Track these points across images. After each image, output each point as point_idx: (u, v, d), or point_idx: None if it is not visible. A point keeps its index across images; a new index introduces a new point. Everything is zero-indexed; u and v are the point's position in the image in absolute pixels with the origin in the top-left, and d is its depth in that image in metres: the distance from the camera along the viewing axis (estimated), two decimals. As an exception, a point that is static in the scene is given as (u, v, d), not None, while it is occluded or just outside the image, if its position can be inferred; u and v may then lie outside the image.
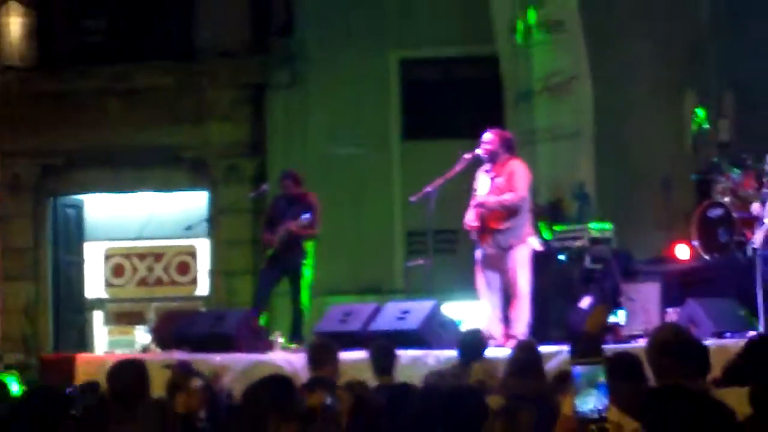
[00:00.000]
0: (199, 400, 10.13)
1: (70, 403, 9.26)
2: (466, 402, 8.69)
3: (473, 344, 13.97)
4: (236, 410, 9.57)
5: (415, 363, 15.12)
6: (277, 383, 7.86)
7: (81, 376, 16.54)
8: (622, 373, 7.93)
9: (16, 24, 26.65)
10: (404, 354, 15.11)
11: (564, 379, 8.60)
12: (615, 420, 5.32)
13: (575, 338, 13.12)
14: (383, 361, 13.23)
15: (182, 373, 12.46)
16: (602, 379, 5.33)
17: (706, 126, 22.24)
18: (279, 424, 7.00)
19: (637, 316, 17.51)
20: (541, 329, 16.96)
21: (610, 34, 23.80)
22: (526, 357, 11.74)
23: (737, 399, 7.86)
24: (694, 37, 24.47)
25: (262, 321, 18.92)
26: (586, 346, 10.60)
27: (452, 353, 14.86)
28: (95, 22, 27.17)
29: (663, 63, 24.38)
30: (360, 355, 14.40)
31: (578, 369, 5.44)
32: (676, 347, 8.75)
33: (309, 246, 19.04)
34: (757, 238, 16.82)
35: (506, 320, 16.94)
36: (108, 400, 10.73)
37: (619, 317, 17.47)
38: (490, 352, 15.03)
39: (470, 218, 17.13)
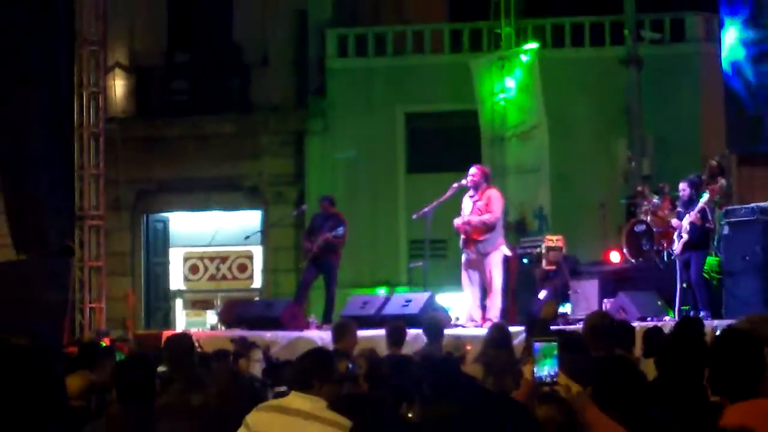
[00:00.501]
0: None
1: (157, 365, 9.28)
2: (449, 364, 8.96)
3: (433, 327, 13.91)
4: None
5: (416, 339, 15.10)
6: (321, 354, 7.96)
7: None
8: (569, 348, 8.15)
9: (119, 85, 26.53)
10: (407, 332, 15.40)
11: (527, 352, 8.60)
12: (563, 383, 5.32)
13: (534, 321, 13.37)
14: (397, 337, 13.34)
15: (244, 345, 12.70)
16: (555, 352, 5.36)
17: (633, 164, 22.54)
18: (322, 385, 7.22)
19: (580, 305, 17.49)
20: (510, 314, 17.14)
21: (562, 96, 23.92)
22: (499, 335, 11.53)
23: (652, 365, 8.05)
24: (624, 100, 24.67)
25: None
26: (543, 328, 10.85)
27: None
28: (179, 84, 26.99)
29: (601, 118, 24.62)
30: (373, 332, 14.47)
31: (536, 345, 5.55)
32: (601, 328, 8.99)
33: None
34: (676, 247, 16.92)
35: (484, 308, 16.87)
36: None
37: (567, 307, 17.68)
38: (456, 332, 15.38)
39: (459, 227, 17.13)
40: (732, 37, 21.36)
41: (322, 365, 7.33)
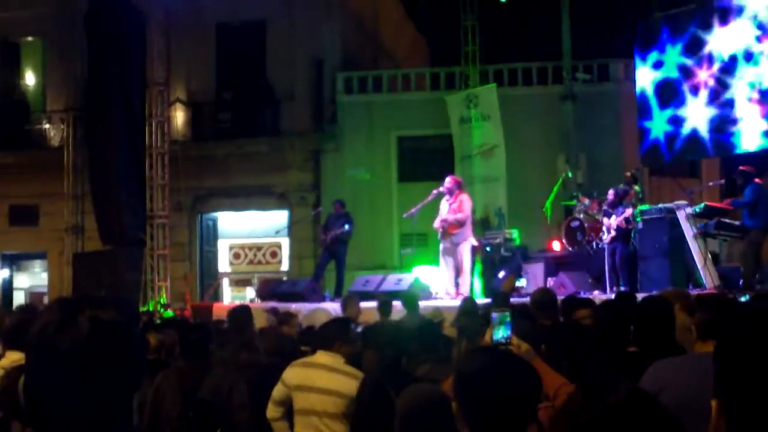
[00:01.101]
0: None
1: (208, 327, 9.25)
2: (433, 327, 8.98)
3: (409, 300, 13.83)
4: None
5: (402, 309, 15.11)
6: (341, 322, 8.04)
7: (215, 316, 16.58)
8: (521, 316, 8.20)
9: (179, 116, 26.41)
10: (398, 304, 15.39)
11: (487, 319, 8.54)
12: (515, 343, 5.35)
13: (495, 295, 13.36)
14: (385, 308, 13.35)
15: (287, 314, 12.63)
16: (508, 320, 5.48)
17: (570, 174, 22.55)
18: (341, 345, 7.22)
19: (531, 283, 17.53)
20: (477, 290, 17.17)
21: (515, 123, 23.96)
22: (469, 306, 11.49)
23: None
24: (563, 126, 24.71)
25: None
26: (501, 300, 10.81)
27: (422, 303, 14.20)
28: (224, 115, 26.79)
29: (545, 140, 24.65)
30: (373, 304, 14.52)
31: (494, 314, 5.57)
32: (540, 303, 8.99)
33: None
34: (605, 239, 16.95)
35: (457, 285, 16.86)
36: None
37: (523, 281, 17.70)
38: (446, 303, 15.29)
39: (437, 226, 17.24)
40: (643, 78, 21.37)
41: (342, 330, 7.42)
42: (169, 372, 7.49)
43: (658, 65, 20.99)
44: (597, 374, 5.77)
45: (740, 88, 19.51)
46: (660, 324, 5.77)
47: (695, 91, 20.19)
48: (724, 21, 19.79)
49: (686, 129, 20.28)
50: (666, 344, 5.50)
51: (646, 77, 21.26)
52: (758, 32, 19.19)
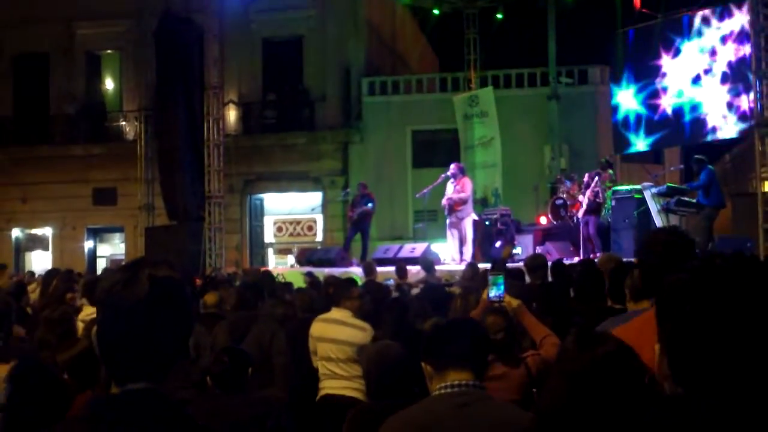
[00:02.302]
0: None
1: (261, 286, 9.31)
2: (441, 291, 8.98)
3: (426, 264, 13.88)
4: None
5: (417, 273, 15.16)
6: (344, 282, 7.99)
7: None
8: (515, 277, 8.17)
9: (232, 114, 26.46)
10: (413, 268, 15.41)
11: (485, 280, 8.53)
12: (507, 300, 5.36)
13: (493, 261, 13.33)
14: (402, 272, 13.39)
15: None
16: (500, 281, 5.28)
17: (554, 161, 22.50)
18: (345, 301, 7.08)
19: (522, 251, 17.65)
20: (477, 257, 17.12)
21: (509, 119, 23.85)
22: (471, 270, 11.61)
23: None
24: (549, 122, 24.63)
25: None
26: (499, 265, 10.79)
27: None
28: (269, 113, 26.91)
29: (534, 133, 24.58)
30: (391, 268, 14.55)
31: (489, 276, 5.56)
32: (530, 265, 8.98)
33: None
34: (580, 213, 16.94)
35: (461, 253, 16.99)
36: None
37: (518, 251, 17.66)
38: (451, 267, 15.33)
39: (444, 203, 17.25)
40: (622, 97, 21.04)
41: (344, 289, 7.40)
42: (224, 323, 7.58)
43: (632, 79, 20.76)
44: (582, 327, 5.77)
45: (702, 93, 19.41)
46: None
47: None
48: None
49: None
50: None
51: (625, 95, 20.94)
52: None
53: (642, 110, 20.34)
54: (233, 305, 8.59)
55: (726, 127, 18.69)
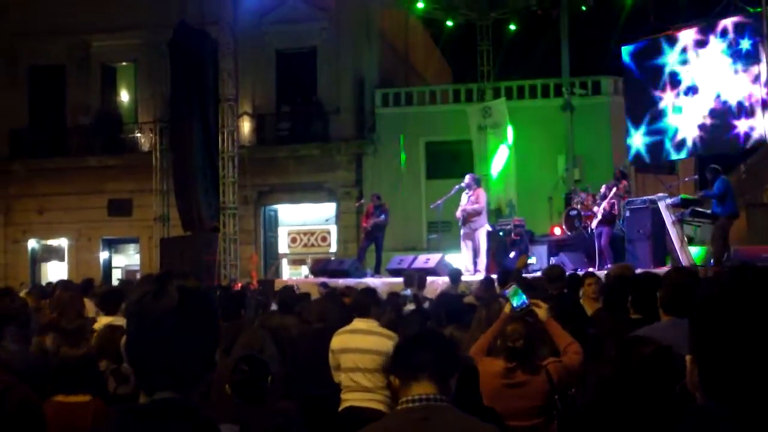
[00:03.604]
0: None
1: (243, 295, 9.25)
2: (458, 301, 8.96)
3: (454, 275, 13.92)
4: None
5: (432, 283, 15.14)
6: (371, 291, 7.90)
7: (277, 287, 16.57)
8: (531, 288, 8.14)
9: (246, 126, 26.54)
10: (428, 278, 15.40)
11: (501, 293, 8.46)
12: (536, 302, 5.28)
13: (507, 272, 13.30)
14: (420, 282, 13.39)
15: (347, 287, 12.46)
16: (520, 291, 5.28)
17: (568, 172, 22.46)
18: (374, 310, 7.22)
19: (537, 262, 17.63)
20: (491, 268, 17.08)
21: (523, 130, 23.86)
22: (486, 281, 11.68)
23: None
24: (563, 132, 24.60)
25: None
26: (517, 274, 10.75)
27: (444, 279, 14.58)
28: (283, 125, 26.86)
29: (548, 144, 24.55)
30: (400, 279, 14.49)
31: (505, 290, 5.53)
32: (549, 275, 8.99)
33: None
34: (593, 224, 16.89)
35: (475, 263, 16.98)
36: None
37: (533, 261, 17.58)
38: (466, 278, 15.30)
39: (458, 215, 17.25)
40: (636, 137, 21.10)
41: (372, 298, 7.41)
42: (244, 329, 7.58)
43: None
44: (598, 338, 5.76)
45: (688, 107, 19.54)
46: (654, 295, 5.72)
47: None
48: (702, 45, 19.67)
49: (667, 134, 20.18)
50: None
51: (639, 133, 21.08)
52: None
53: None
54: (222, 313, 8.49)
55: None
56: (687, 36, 19.82)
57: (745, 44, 18.65)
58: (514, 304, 5.32)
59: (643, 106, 20.63)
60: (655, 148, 20.45)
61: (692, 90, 19.62)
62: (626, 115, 21.32)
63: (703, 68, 19.49)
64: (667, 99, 20.12)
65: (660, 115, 20.19)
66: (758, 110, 18.15)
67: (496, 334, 5.26)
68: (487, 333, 5.36)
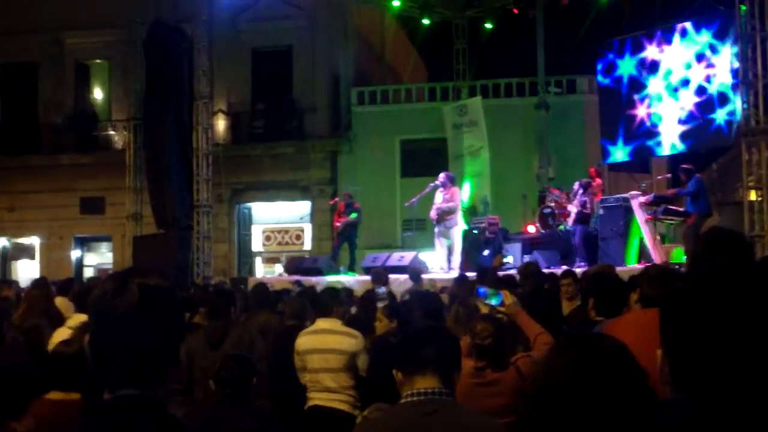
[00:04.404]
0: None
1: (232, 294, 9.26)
2: (431, 296, 8.96)
3: (414, 273, 13.91)
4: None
5: (406, 281, 15.15)
6: (333, 290, 7.81)
7: (250, 286, 16.53)
8: (505, 285, 8.19)
9: (221, 123, 26.56)
10: (401, 276, 15.40)
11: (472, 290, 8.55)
12: (504, 294, 5.30)
13: (485, 271, 13.32)
14: (383, 278, 13.36)
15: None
16: (496, 291, 5.33)
17: (542, 170, 22.54)
18: (338, 309, 7.16)
19: (512, 261, 17.66)
20: (465, 266, 17.13)
21: (498, 129, 23.91)
22: (460, 278, 11.70)
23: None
24: (537, 131, 24.67)
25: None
26: (493, 273, 10.78)
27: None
28: (258, 122, 26.93)
29: (522, 142, 24.64)
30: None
31: (483, 289, 5.56)
32: (525, 272, 9.02)
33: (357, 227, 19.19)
34: (570, 221, 16.96)
35: (449, 261, 17.08)
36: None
37: (509, 259, 17.60)
38: (438, 276, 15.29)
39: (433, 213, 17.31)
40: (606, 84, 21.38)
41: (335, 298, 7.38)
42: (200, 332, 7.50)
43: (608, 71, 21.20)
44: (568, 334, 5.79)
45: (666, 100, 19.77)
46: (613, 294, 5.71)
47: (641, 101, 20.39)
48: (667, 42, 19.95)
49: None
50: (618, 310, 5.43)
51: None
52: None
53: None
54: (206, 313, 8.40)
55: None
56: (657, 38, 20.11)
57: (714, 39, 18.88)
58: (492, 304, 5.32)
59: (615, 121, 20.92)
60: (641, 151, 20.66)
61: (668, 92, 19.83)
62: (602, 137, 21.57)
63: (674, 69, 19.73)
64: (641, 110, 20.34)
65: (638, 126, 20.41)
66: (730, 95, 18.33)
67: None
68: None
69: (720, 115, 18.72)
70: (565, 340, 1.99)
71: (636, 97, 20.58)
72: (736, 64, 17.45)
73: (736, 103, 17.40)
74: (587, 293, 7.02)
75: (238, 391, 4.87)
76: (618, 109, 20.98)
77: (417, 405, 3.13)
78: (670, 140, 19.83)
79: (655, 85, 20.25)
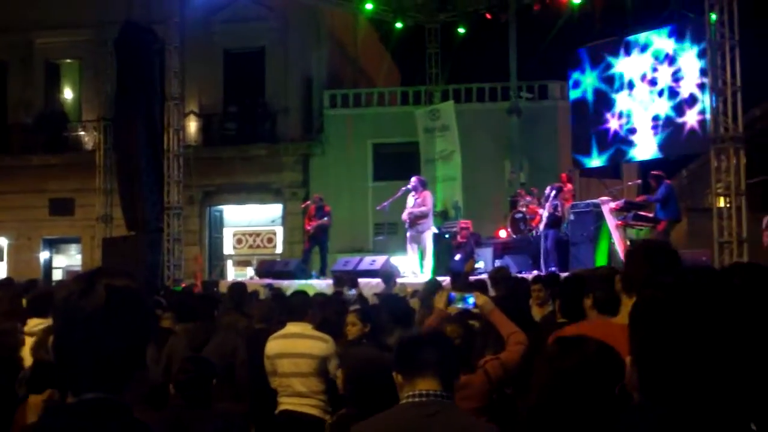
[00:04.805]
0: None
1: (215, 297, 9.23)
2: (400, 301, 8.98)
3: (387, 276, 13.95)
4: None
5: (378, 284, 15.15)
6: (304, 295, 7.73)
7: (222, 289, 16.47)
8: (477, 289, 8.21)
9: (192, 125, 26.42)
10: (372, 281, 15.42)
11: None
12: (476, 295, 5.27)
13: (457, 275, 13.35)
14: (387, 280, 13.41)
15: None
16: (466, 295, 5.28)
17: (514, 175, 22.62)
18: (310, 313, 7.18)
19: (483, 265, 17.72)
20: (437, 270, 17.15)
21: (470, 133, 23.98)
22: (433, 282, 11.74)
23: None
24: (509, 135, 24.75)
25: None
26: (465, 278, 10.81)
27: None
28: (230, 124, 26.79)
29: (494, 147, 24.67)
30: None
31: (452, 294, 5.52)
32: (496, 277, 9.03)
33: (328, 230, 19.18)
34: (540, 227, 17.04)
35: (421, 267, 17.11)
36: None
37: (480, 264, 17.64)
38: (410, 281, 15.31)
39: (405, 217, 17.32)
40: (575, 99, 21.56)
41: (307, 302, 7.33)
42: (179, 334, 7.45)
43: (576, 85, 21.38)
44: (540, 338, 5.80)
45: (636, 109, 19.96)
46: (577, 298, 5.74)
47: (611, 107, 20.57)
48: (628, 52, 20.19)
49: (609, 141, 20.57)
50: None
51: (577, 98, 21.56)
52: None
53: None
54: (190, 314, 8.35)
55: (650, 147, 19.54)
56: (621, 48, 20.36)
57: (678, 43, 19.08)
58: (465, 306, 5.27)
59: (587, 137, 21.08)
60: (617, 156, 20.81)
61: (637, 101, 20.00)
62: (575, 152, 21.73)
63: (639, 77, 19.94)
64: (613, 123, 20.50)
65: (612, 136, 20.55)
66: (698, 94, 18.53)
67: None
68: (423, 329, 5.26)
69: (691, 117, 18.86)
70: (567, 342, 2.01)
71: (605, 110, 20.74)
72: (701, 64, 17.73)
73: (705, 102, 17.56)
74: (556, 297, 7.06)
75: (197, 394, 4.78)
76: (588, 124, 21.16)
77: (418, 406, 3.21)
78: (645, 146, 19.94)
79: (622, 97, 20.42)
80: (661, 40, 19.68)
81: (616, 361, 2.00)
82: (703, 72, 18.08)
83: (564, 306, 5.80)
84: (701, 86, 18.18)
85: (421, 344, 3.41)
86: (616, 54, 20.64)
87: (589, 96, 21.25)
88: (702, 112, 18.31)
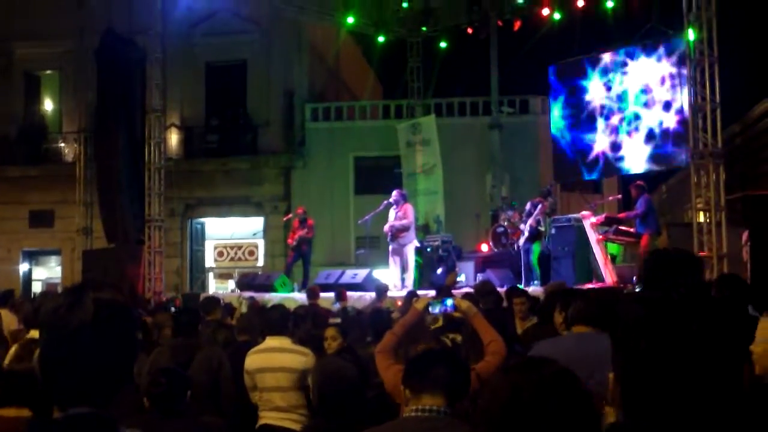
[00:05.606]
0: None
1: (197, 311, 9.19)
2: (383, 315, 8.98)
3: (380, 290, 14.01)
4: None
5: (360, 298, 15.13)
6: (283, 309, 7.62)
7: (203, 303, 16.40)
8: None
9: (174, 138, 26.33)
10: (355, 294, 15.42)
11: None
12: (458, 302, 5.18)
13: (439, 288, 13.35)
14: (340, 296, 13.40)
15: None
16: (438, 303, 5.15)
17: (495, 189, 22.67)
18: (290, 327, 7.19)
19: (464, 279, 17.77)
20: (419, 283, 17.13)
21: (452, 147, 24.04)
22: (411, 296, 11.73)
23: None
24: (491, 150, 24.81)
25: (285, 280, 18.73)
26: (447, 290, 10.80)
27: (372, 294, 14.83)
28: (212, 137, 26.72)
29: (476, 161, 24.76)
30: (332, 294, 14.59)
31: (431, 306, 5.44)
32: (482, 291, 9.04)
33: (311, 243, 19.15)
34: (521, 241, 17.09)
35: (402, 279, 17.07)
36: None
37: (462, 278, 17.67)
38: (391, 294, 15.31)
39: (386, 230, 17.27)
40: (555, 113, 21.62)
41: (287, 317, 7.30)
42: (163, 349, 7.39)
43: (566, 102, 21.38)
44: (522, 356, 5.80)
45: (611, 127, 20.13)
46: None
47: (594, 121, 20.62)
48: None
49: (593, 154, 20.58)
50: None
51: (557, 114, 21.61)
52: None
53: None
54: (171, 331, 8.32)
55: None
56: (593, 64, 20.49)
57: (666, 66, 19.19)
58: (440, 310, 5.22)
59: (573, 169, 21.17)
60: (608, 170, 20.83)
61: (619, 122, 20.09)
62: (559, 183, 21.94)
63: (628, 94, 20.02)
64: (598, 145, 20.52)
65: (602, 157, 20.59)
66: (675, 102, 18.70)
67: (404, 330, 5.13)
68: (395, 328, 5.18)
69: (670, 120, 18.98)
70: (528, 363, 1.98)
71: (587, 136, 20.76)
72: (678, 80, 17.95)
73: (684, 104, 17.66)
74: (551, 308, 7.03)
75: (171, 406, 4.77)
76: (570, 157, 21.19)
77: (422, 420, 3.27)
78: (635, 160, 19.88)
79: (601, 123, 20.47)
80: (637, 58, 19.79)
81: (577, 384, 1.94)
82: (675, 86, 18.36)
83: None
84: (671, 102, 18.46)
85: (433, 362, 3.46)
86: (584, 75, 20.71)
87: (561, 124, 21.31)
88: (680, 111, 18.42)
